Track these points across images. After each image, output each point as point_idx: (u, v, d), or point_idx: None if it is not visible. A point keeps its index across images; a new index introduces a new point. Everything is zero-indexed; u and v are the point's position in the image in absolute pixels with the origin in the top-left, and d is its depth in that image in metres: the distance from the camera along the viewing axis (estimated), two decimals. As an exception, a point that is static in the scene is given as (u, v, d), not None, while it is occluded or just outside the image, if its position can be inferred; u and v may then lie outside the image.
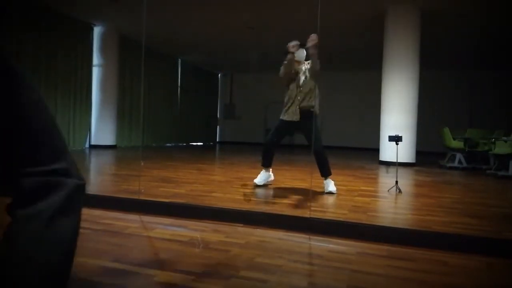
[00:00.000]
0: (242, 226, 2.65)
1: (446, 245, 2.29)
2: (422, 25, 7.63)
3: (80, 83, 9.35)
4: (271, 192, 3.80)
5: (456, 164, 7.27)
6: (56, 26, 8.51)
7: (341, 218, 2.71)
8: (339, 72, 14.31)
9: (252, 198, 3.40)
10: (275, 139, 4.07)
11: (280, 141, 4.13)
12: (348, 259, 2.05)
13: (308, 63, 3.96)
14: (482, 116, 12.97)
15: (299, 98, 3.94)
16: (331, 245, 2.33)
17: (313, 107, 3.92)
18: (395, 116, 7.60)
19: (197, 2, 7.65)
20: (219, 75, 16.27)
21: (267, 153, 4.07)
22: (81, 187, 0.86)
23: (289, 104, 3.96)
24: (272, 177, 4.18)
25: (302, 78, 3.98)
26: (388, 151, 7.51)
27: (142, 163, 6.15)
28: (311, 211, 2.80)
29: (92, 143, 9.90)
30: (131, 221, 2.71)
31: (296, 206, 3.09)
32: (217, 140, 16.68)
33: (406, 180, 5.16)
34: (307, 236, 2.47)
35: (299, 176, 5.10)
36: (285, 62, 3.87)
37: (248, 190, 3.76)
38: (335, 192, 3.74)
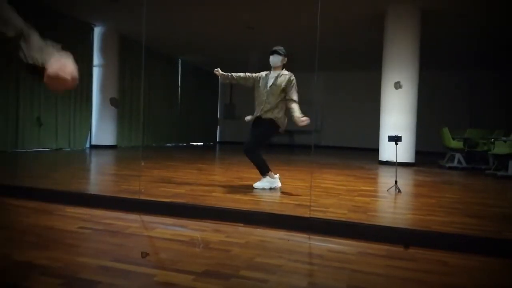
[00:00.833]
0: (242, 226, 2.65)
1: (446, 245, 2.29)
2: (422, 25, 7.63)
3: (81, 83, 9.35)
4: (271, 192, 3.80)
5: (455, 164, 7.27)
6: (56, 26, 8.51)
7: (341, 218, 2.71)
8: (339, 72, 14.31)
9: (252, 198, 3.40)
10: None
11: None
12: (348, 259, 2.05)
13: (279, 75, 3.87)
14: (481, 116, 12.97)
15: (262, 107, 3.89)
16: (331, 245, 2.34)
17: (270, 119, 3.85)
18: (395, 116, 7.60)
19: (197, 2, 7.65)
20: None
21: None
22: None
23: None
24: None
25: (267, 89, 3.88)
26: (388, 151, 7.52)
27: (143, 163, 6.16)
28: (311, 211, 2.80)
29: (93, 143, 9.91)
30: (131, 221, 2.71)
31: (296, 206, 3.09)
32: (217, 140, 16.68)
33: (405, 180, 5.16)
34: (307, 236, 2.47)
35: (299, 176, 5.10)
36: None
37: (248, 190, 3.76)
38: (256, 187, 3.82)
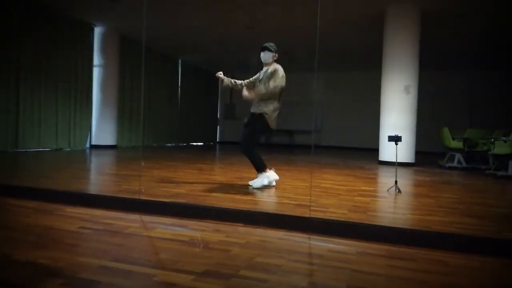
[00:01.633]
0: (242, 226, 2.66)
1: (446, 245, 2.29)
2: (422, 25, 7.63)
3: (81, 83, 9.36)
4: (271, 192, 3.80)
5: (455, 164, 7.27)
6: (56, 26, 8.52)
7: (341, 218, 2.71)
8: (339, 72, 14.32)
9: (252, 198, 3.40)
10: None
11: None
12: (348, 259, 2.06)
13: (267, 70, 3.87)
14: (481, 116, 12.98)
15: (254, 102, 3.95)
16: (331, 245, 2.34)
17: (259, 113, 3.84)
18: (395, 116, 7.60)
19: (197, 2, 7.65)
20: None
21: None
22: None
23: None
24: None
25: (258, 84, 3.93)
26: (388, 151, 7.52)
27: (143, 163, 6.16)
28: (311, 211, 2.80)
29: (93, 143, 9.92)
30: (131, 221, 2.71)
31: (296, 206, 3.10)
32: (217, 140, 16.69)
33: (405, 180, 5.16)
34: (307, 236, 2.48)
35: (299, 176, 5.10)
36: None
37: (248, 190, 3.76)
38: (252, 185, 3.81)
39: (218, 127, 16.69)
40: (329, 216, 2.75)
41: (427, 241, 2.34)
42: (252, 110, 3.92)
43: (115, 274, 1.72)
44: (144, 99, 11.80)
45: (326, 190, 3.95)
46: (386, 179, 5.24)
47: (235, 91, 16.39)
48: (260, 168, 3.86)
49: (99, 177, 4.88)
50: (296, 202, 3.24)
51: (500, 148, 6.26)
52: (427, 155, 10.10)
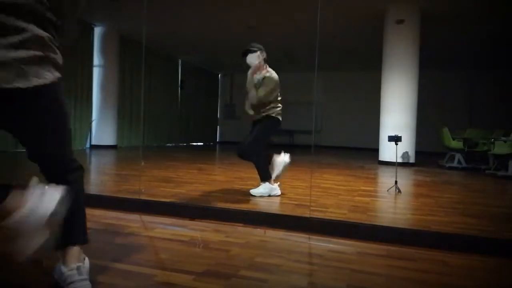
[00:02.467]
0: (242, 226, 2.66)
1: (446, 245, 2.29)
2: (422, 25, 7.63)
3: (81, 83, 9.36)
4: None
5: (455, 164, 7.27)
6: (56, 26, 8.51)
7: (341, 218, 2.71)
8: (339, 72, 14.32)
9: (252, 198, 3.40)
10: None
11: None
12: (348, 259, 2.05)
13: (259, 73, 3.61)
14: (481, 116, 12.98)
15: (251, 109, 3.67)
16: (331, 245, 2.34)
17: (259, 118, 3.61)
18: (395, 116, 7.60)
19: (197, 2, 7.65)
20: (219, 75, 16.27)
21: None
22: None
23: None
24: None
25: (252, 90, 3.60)
26: (388, 151, 7.52)
27: (143, 163, 6.16)
28: (311, 211, 2.80)
29: (93, 143, 9.91)
30: (131, 221, 2.71)
31: (296, 206, 3.10)
32: (217, 140, 16.69)
33: (405, 180, 5.16)
34: (307, 236, 2.48)
35: (299, 176, 5.10)
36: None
37: (248, 190, 3.76)
38: (254, 193, 3.51)
39: (218, 127, 16.69)
40: (329, 216, 2.75)
41: (427, 241, 2.34)
42: (257, 117, 3.65)
43: (115, 274, 1.72)
44: (144, 99, 11.80)
45: (326, 190, 3.95)
46: (386, 179, 5.24)
47: (235, 91, 16.42)
48: (266, 177, 3.57)
49: (99, 177, 4.88)
50: (296, 202, 3.24)
51: (500, 148, 6.26)
52: (427, 155, 10.09)
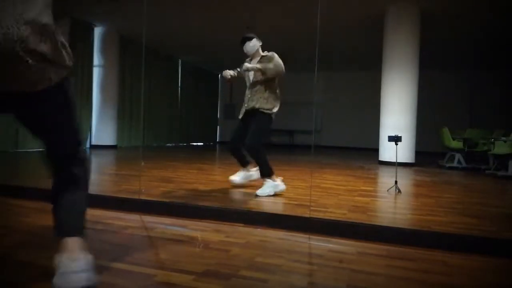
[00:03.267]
0: (242, 226, 2.66)
1: (446, 245, 2.29)
2: (422, 25, 7.63)
3: (81, 83, 9.36)
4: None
5: (455, 164, 7.27)
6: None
7: (341, 218, 2.71)
8: (339, 72, 14.33)
9: (252, 198, 3.40)
10: (232, 138, 3.84)
11: (238, 139, 3.78)
12: (348, 259, 2.06)
13: (259, 60, 3.64)
14: (481, 116, 12.98)
15: (248, 96, 3.70)
16: (331, 245, 2.34)
17: (257, 108, 3.60)
18: (395, 116, 7.61)
19: (197, 2, 7.65)
20: (219, 75, 16.28)
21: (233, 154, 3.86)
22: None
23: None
24: (252, 176, 3.93)
25: (251, 76, 3.69)
26: (388, 151, 7.52)
27: (143, 163, 6.16)
28: (311, 211, 2.80)
29: (93, 143, 9.92)
30: (131, 221, 2.71)
31: (296, 206, 3.10)
32: (217, 140, 16.69)
33: (405, 180, 5.16)
34: (307, 236, 2.48)
35: (299, 176, 5.10)
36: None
37: (248, 190, 3.76)
38: (261, 194, 3.45)
39: (218, 127, 16.69)
40: (329, 216, 2.75)
41: (427, 241, 2.34)
42: (250, 106, 3.63)
43: (115, 274, 1.72)
44: (144, 99, 11.80)
45: (326, 190, 3.95)
46: (386, 179, 5.24)
47: (235, 91, 16.42)
48: (268, 173, 3.55)
49: (99, 177, 4.88)
50: (296, 202, 3.24)
51: (500, 148, 6.26)
52: (427, 155, 10.09)
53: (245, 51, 3.73)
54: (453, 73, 13.44)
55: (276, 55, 3.61)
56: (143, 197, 3.17)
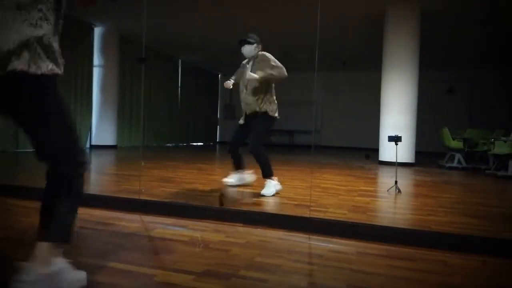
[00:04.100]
0: (242, 226, 2.66)
1: (446, 245, 2.29)
2: (422, 25, 7.63)
3: (81, 83, 9.36)
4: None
5: (455, 164, 7.27)
6: (56, 26, 8.51)
7: (341, 218, 2.71)
8: (339, 72, 14.32)
9: (252, 198, 3.40)
10: (232, 140, 3.89)
11: (238, 142, 3.85)
12: (348, 259, 2.06)
13: (256, 63, 3.64)
14: (481, 116, 12.98)
15: (247, 100, 3.67)
16: (331, 245, 2.34)
17: (260, 111, 3.61)
18: (395, 116, 7.60)
19: (197, 2, 7.65)
20: (219, 75, 16.27)
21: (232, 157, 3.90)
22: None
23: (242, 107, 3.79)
24: (246, 179, 3.99)
25: (245, 80, 3.67)
26: (388, 151, 7.52)
27: (143, 163, 6.16)
28: (311, 211, 2.81)
29: (93, 143, 9.92)
30: (131, 221, 2.71)
31: (296, 206, 3.10)
32: (217, 140, 16.69)
33: (405, 180, 5.16)
34: (307, 236, 2.48)
35: (299, 176, 5.10)
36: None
37: (248, 190, 3.76)
38: (267, 194, 3.47)
39: (218, 127, 16.69)
40: (329, 216, 2.75)
41: (427, 241, 2.34)
42: (252, 109, 3.64)
43: (115, 274, 1.72)
44: (144, 99, 11.80)
45: (326, 190, 3.95)
46: (386, 179, 5.24)
47: (235, 91, 16.43)
48: (269, 173, 3.60)
49: (99, 177, 4.88)
50: (296, 202, 3.24)
51: (500, 148, 6.26)
52: (427, 155, 10.09)
53: (243, 53, 3.75)
54: (453, 73, 13.44)
55: (268, 55, 3.59)
56: (143, 197, 3.17)
